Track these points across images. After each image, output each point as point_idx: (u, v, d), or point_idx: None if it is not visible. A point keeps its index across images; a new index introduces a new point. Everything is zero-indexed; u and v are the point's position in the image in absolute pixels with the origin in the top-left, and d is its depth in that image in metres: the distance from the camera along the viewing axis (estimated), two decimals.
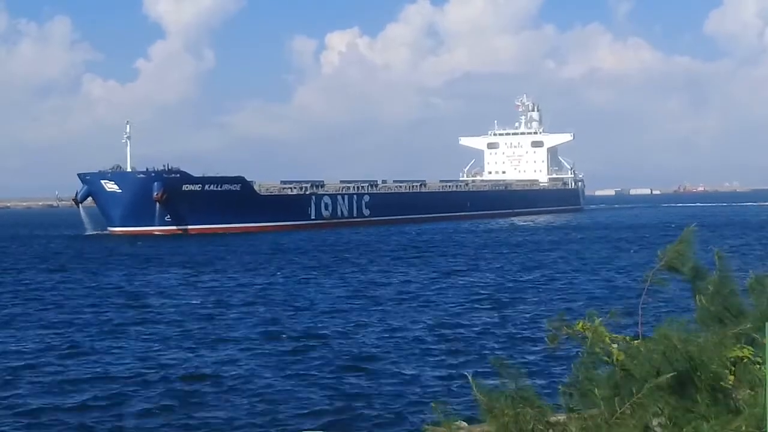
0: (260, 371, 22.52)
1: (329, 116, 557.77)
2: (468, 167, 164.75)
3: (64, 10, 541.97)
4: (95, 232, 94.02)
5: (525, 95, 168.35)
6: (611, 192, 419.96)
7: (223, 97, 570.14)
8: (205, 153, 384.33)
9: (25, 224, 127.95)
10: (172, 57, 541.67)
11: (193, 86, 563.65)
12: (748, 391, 5.64)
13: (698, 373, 5.49)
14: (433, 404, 6.02)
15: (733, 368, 5.73)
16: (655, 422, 5.44)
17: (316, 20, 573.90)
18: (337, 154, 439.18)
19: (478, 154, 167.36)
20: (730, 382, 5.68)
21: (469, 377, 5.71)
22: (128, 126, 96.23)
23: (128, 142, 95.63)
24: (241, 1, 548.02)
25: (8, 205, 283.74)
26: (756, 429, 5.21)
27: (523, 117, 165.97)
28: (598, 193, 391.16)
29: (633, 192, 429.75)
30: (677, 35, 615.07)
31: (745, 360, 5.76)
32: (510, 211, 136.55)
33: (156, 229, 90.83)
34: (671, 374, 5.34)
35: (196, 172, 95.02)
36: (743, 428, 5.19)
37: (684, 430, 5.28)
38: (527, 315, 31.14)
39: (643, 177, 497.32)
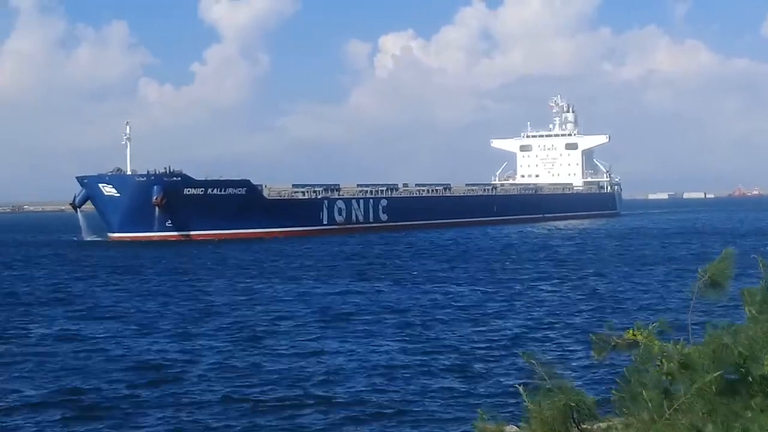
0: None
1: (383, 119, 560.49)
2: (500, 170, 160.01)
3: (122, 14, 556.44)
4: (93, 239, 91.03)
5: (559, 96, 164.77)
6: (664, 196, 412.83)
7: (277, 100, 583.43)
8: (259, 156, 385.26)
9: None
10: (227, 60, 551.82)
11: (247, 89, 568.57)
12: None
13: (749, 372, 5.53)
14: (479, 411, 6.16)
15: None
16: (708, 427, 5.45)
17: (370, 23, 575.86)
18: (389, 157, 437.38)
19: (511, 157, 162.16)
20: None
21: (519, 388, 5.87)
22: (128, 127, 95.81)
23: (128, 143, 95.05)
24: (296, 4, 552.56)
25: (62, 208, 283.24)
26: None
27: (557, 118, 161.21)
28: (651, 196, 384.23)
29: (686, 196, 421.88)
30: (735, 37, 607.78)
31: None
32: (540, 215, 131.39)
33: (156, 235, 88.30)
34: (717, 373, 5.42)
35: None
36: None
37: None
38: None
39: (698, 180, 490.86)
